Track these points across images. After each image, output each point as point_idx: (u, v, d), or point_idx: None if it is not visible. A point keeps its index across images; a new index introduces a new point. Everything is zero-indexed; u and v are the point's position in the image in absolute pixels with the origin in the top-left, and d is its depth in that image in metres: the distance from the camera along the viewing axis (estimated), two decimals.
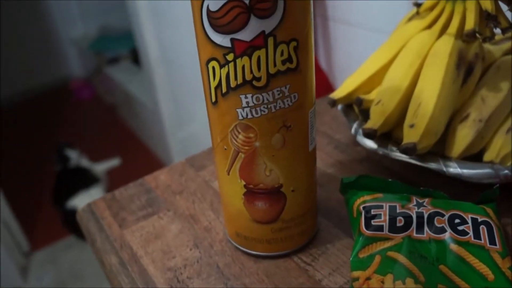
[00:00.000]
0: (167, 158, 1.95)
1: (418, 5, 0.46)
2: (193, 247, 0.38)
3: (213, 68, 0.28)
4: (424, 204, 0.33)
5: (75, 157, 1.97)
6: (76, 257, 1.72)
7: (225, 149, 0.32)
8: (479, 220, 0.32)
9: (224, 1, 0.26)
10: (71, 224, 1.75)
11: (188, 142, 1.74)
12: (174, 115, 1.70)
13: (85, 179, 1.88)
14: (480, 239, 0.30)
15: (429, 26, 0.44)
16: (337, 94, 0.45)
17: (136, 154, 2.25)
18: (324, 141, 0.50)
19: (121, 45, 2.55)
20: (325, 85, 0.82)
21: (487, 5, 0.38)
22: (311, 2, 0.29)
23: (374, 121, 0.40)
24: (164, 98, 1.66)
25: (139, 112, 2.19)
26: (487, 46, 0.45)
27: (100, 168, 2.04)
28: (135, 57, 2.23)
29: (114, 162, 2.14)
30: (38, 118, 2.78)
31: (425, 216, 0.32)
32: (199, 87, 0.33)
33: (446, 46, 0.41)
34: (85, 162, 1.99)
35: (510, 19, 0.39)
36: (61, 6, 2.90)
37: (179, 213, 0.42)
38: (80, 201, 1.75)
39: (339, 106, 0.47)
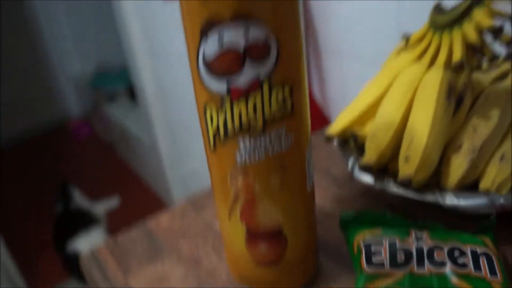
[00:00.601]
0: (167, 195, 1.95)
1: (406, 37, 0.47)
2: None
3: (211, 115, 0.29)
4: (423, 237, 0.33)
5: (77, 195, 1.97)
6: None
7: (225, 193, 0.32)
8: (479, 251, 0.32)
9: (219, 48, 0.27)
10: (71, 267, 1.73)
11: (187, 178, 1.75)
12: (172, 151, 1.71)
13: (84, 221, 1.87)
14: (481, 271, 0.31)
15: (418, 58, 0.45)
16: (332, 130, 0.46)
17: (136, 192, 2.25)
18: (321, 176, 0.51)
19: (118, 82, 2.58)
20: (320, 117, 0.83)
21: (472, 37, 0.40)
22: (304, 46, 0.30)
23: (369, 156, 0.41)
24: (162, 135, 1.67)
25: (137, 149, 2.20)
26: (476, 74, 0.46)
27: (100, 208, 2.03)
28: (132, 94, 2.26)
29: (113, 202, 2.13)
30: (37, 159, 2.78)
31: (425, 250, 0.32)
32: (197, 123, 0.33)
33: (435, 77, 0.42)
34: (84, 202, 1.99)
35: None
36: (58, 45, 2.94)
37: (182, 256, 0.43)
38: (80, 244, 1.73)
39: (335, 141, 0.47)
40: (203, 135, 0.32)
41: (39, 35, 2.89)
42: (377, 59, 0.53)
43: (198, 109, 0.31)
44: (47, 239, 1.91)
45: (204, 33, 0.27)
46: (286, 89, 0.29)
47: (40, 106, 3.04)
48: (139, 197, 2.19)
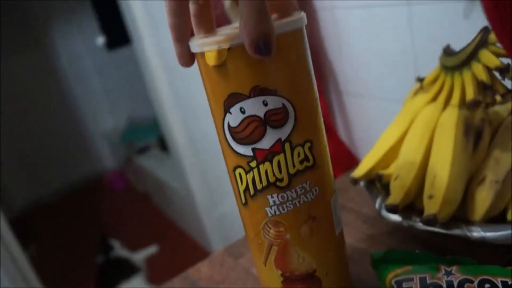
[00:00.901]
0: (204, 239, 1.97)
1: (420, 79, 0.49)
2: None
3: (240, 174, 0.32)
4: (453, 272, 0.34)
5: (117, 246, 2.01)
6: None
7: (260, 243, 0.35)
8: (509, 283, 0.33)
9: (242, 118, 0.30)
10: None
11: (222, 221, 1.77)
12: (206, 196, 1.74)
13: (126, 270, 1.90)
14: None
15: (434, 99, 0.47)
16: (357, 173, 0.48)
17: (173, 239, 2.28)
18: (352, 216, 0.52)
19: (149, 134, 2.66)
20: (348, 157, 0.85)
21: (482, 76, 0.42)
22: (319, 106, 0.33)
23: (395, 197, 0.43)
24: (195, 182, 1.71)
25: (172, 197, 2.24)
26: (493, 108, 0.48)
27: (139, 257, 2.07)
28: (163, 144, 2.32)
29: (151, 249, 2.16)
30: (76, 212, 2.86)
31: (455, 284, 0.33)
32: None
33: (451, 117, 0.44)
34: (124, 252, 2.03)
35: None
36: (91, 103, 3.08)
37: None
38: None
39: (362, 183, 0.49)
40: (234, 192, 0.35)
41: (70, 93, 3.03)
42: (398, 96, 0.56)
43: (228, 170, 0.34)
44: None
45: (227, 107, 0.30)
46: (306, 147, 0.32)
47: (76, 161, 3.15)
48: (177, 244, 2.22)
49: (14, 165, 2.85)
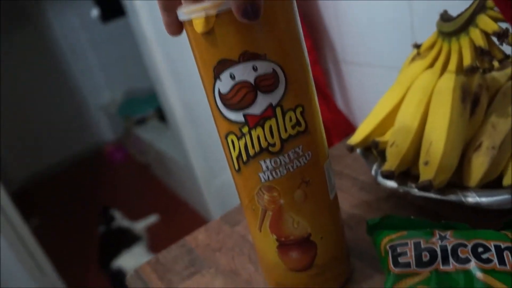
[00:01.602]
0: (204, 208, 1.98)
1: (417, 46, 0.49)
2: None
3: (232, 141, 0.32)
4: (447, 236, 0.35)
5: (119, 217, 2.03)
6: None
7: (254, 209, 0.35)
8: (503, 246, 0.33)
9: (232, 84, 0.30)
10: (118, 284, 1.78)
11: (222, 190, 1.78)
12: (205, 166, 1.75)
13: (127, 239, 1.93)
14: (506, 265, 0.32)
15: (431, 65, 0.46)
16: (354, 139, 0.48)
17: (173, 208, 2.30)
18: (349, 183, 0.52)
19: (146, 106, 2.66)
20: (345, 125, 0.84)
21: (480, 41, 0.41)
22: (309, 71, 0.33)
23: (391, 163, 0.43)
24: (194, 152, 1.71)
25: (171, 168, 2.25)
26: (491, 74, 0.47)
27: (140, 226, 2.09)
28: (161, 115, 2.32)
29: (152, 219, 2.19)
30: (77, 184, 2.88)
31: (449, 248, 0.34)
32: None
33: (448, 83, 0.43)
34: (125, 222, 2.05)
35: None
36: (88, 77, 3.06)
37: (221, 269, 0.45)
38: (124, 261, 1.79)
39: (358, 150, 0.49)
40: (227, 159, 0.34)
41: (67, 67, 3.01)
42: (395, 64, 0.55)
43: (220, 137, 0.34)
44: (92, 259, 1.97)
45: (217, 73, 0.30)
46: (298, 111, 0.31)
47: (75, 135, 3.16)
48: (177, 213, 2.24)
49: (14, 139, 2.86)
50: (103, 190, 2.71)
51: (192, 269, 0.46)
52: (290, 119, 0.31)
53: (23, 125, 2.90)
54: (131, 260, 1.75)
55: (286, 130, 0.31)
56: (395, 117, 0.46)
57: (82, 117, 3.17)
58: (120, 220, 2.04)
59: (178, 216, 2.22)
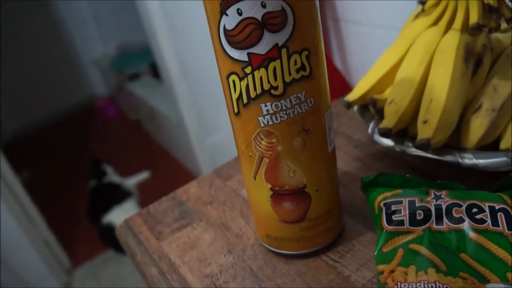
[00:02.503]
0: (195, 167, 1.99)
1: (423, 2, 0.47)
2: (227, 253, 0.41)
3: (233, 81, 0.31)
4: (442, 196, 0.34)
5: (110, 172, 2.03)
6: (116, 270, 1.77)
7: (250, 155, 0.34)
8: (497, 207, 0.33)
9: (239, 20, 0.28)
10: (108, 239, 1.80)
11: (214, 150, 1.77)
12: (198, 125, 1.73)
13: (117, 194, 1.94)
14: (498, 226, 0.32)
15: (435, 23, 0.45)
16: (352, 96, 0.47)
17: (164, 166, 2.30)
18: (344, 141, 0.52)
19: (140, 61, 2.61)
20: (342, 85, 0.83)
21: None
22: (318, 13, 0.31)
23: (389, 120, 0.42)
24: (187, 110, 1.70)
25: (164, 125, 2.23)
26: (496, 35, 0.46)
27: (131, 182, 2.10)
28: (155, 71, 2.28)
29: (143, 175, 2.19)
30: (68, 139, 2.87)
31: (443, 208, 0.33)
32: (220, 97, 0.35)
33: (452, 41, 0.42)
34: (116, 178, 2.05)
35: None
36: (80, 29, 2.99)
37: (211, 222, 0.45)
38: (114, 216, 1.80)
39: (355, 108, 0.48)
40: (226, 102, 0.33)
41: (59, 19, 2.94)
42: (396, 24, 0.53)
43: (221, 78, 0.32)
44: (82, 214, 1.98)
45: (223, 8, 0.29)
46: (303, 55, 0.30)
47: (67, 89, 3.12)
48: (168, 170, 2.24)
49: (4, 92, 2.81)
50: (94, 145, 2.70)
51: (182, 222, 0.46)
52: (295, 62, 0.30)
53: (13, 78, 2.85)
54: (121, 216, 1.76)
55: (290, 73, 0.30)
56: (395, 74, 0.45)
57: (74, 70, 3.11)
58: (112, 175, 2.04)
59: (169, 173, 2.22)
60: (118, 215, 1.79)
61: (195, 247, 0.42)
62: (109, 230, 1.75)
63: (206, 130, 1.75)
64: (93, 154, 2.50)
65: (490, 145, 0.42)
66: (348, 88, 0.84)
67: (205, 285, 0.38)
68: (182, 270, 0.40)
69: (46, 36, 2.92)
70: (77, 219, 2.06)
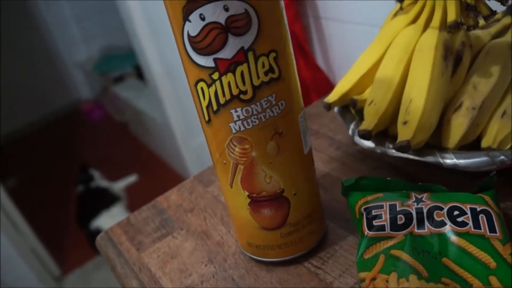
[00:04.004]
0: (182, 168, 1.97)
1: (401, 0, 0.46)
2: (207, 263, 0.40)
3: (202, 88, 0.30)
4: (423, 199, 0.34)
5: (98, 176, 2.01)
6: (107, 275, 1.75)
7: (225, 163, 0.33)
8: (478, 209, 0.32)
9: (202, 25, 0.28)
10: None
11: (201, 151, 1.76)
12: (184, 126, 1.72)
13: (106, 199, 1.92)
14: (480, 228, 0.31)
15: (414, 21, 0.44)
16: (331, 97, 0.46)
17: (152, 168, 2.28)
18: (325, 143, 0.51)
19: (124, 63, 2.59)
20: (325, 83, 0.82)
21: None
22: (284, 13, 0.31)
23: (369, 122, 0.41)
24: (173, 111, 1.68)
25: (150, 127, 2.22)
26: (475, 32, 0.45)
27: (119, 186, 2.07)
28: (140, 73, 2.26)
29: (131, 179, 2.17)
30: (54, 144, 2.83)
31: (425, 211, 0.33)
32: None
33: (431, 39, 0.41)
34: (104, 182, 2.03)
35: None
36: (62, 31, 2.95)
37: (192, 230, 0.44)
38: (103, 221, 1.78)
39: (336, 109, 0.48)
40: (197, 110, 0.33)
41: (42, 23, 2.90)
42: (377, 21, 0.53)
43: (190, 85, 0.32)
44: (70, 220, 1.96)
45: (186, 14, 0.28)
46: (271, 57, 0.30)
47: (51, 93, 3.08)
48: (156, 173, 2.23)
49: None
50: (81, 150, 2.67)
51: (163, 231, 0.45)
52: (263, 65, 0.29)
53: None
54: (110, 220, 1.74)
55: (258, 77, 0.29)
56: (374, 74, 0.44)
57: (58, 74, 3.07)
58: (99, 179, 2.02)
59: (157, 176, 2.21)
60: (107, 220, 1.76)
61: (175, 257, 0.41)
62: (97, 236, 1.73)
63: (193, 131, 1.74)
64: (79, 159, 2.47)
65: (471, 144, 0.41)
66: (331, 86, 0.83)
67: None
68: (163, 281, 0.39)
69: (28, 39, 2.87)
70: (66, 225, 2.03)
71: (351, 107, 0.46)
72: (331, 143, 0.51)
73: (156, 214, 0.48)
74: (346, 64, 0.82)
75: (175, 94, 1.66)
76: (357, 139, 0.43)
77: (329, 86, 0.83)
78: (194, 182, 0.51)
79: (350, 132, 0.44)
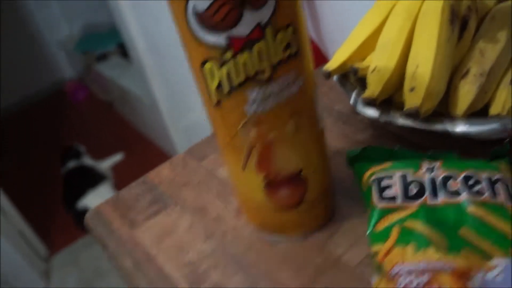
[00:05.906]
0: (170, 148, 1.94)
1: None
2: (206, 239, 0.38)
3: (210, 69, 0.27)
4: (436, 168, 0.32)
5: (82, 155, 1.98)
6: (96, 254, 1.73)
7: (237, 146, 0.31)
8: (494, 178, 0.31)
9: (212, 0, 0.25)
10: (83, 224, 1.76)
11: (189, 129, 1.74)
12: (171, 105, 1.69)
13: (92, 178, 1.89)
14: (498, 198, 0.29)
15: None
16: (331, 65, 0.44)
17: (139, 148, 2.25)
18: (325, 113, 0.49)
19: (107, 41, 2.52)
20: (317, 55, 0.80)
21: None
22: None
23: (373, 89, 0.39)
24: (159, 89, 1.65)
25: (136, 106, 2.18)
26: None
27: (105, 165, 2.04)
28: (124, 51, 2.21)
29: (117, 157, 2.14)
30: (38, 125, 2.77)
31: (438, 180, 0.31)
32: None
33: (436, 3, 0.39)
34: (90, 161, 2.00)
35: None
36: (43, 10, 2.86)
37: (187, 206, 0.42)
38: (90, 201, 1.76)
39: (335, 77, 0.45)
40: (201, 93, 0.30)
41: (22, 1, 2.80)
42: None
43: (193, 67, 0.29)
44: (57, 200, 1.93)
45: None
46: (289, 31, 0.27)
47: (34, 73, 3.00)
48: (143, 152, 2.20)
49: None
50: (66, 130, 2.62)
51: (156, 207, 0.43)
52: (282, 41, 0.27)
53: None
54: (96, 199, 1.71)
55: (277, 54, 0.27)
56: (376, 40, 0.42)
57: (40, 54, 2.98)
58: (85, 158, 1.99)
59: (144, 155, 2.18)
60: (94, 200, 1.74)
61: (171, 234, 0.39)
62: (85, 215, 1.71)
63: (180, 109, 1.71)
64: (64, 139, 2.43)
65: (478, 112, 0.39)
66: (323, 60, 0.81)
67: (185, 275, 0.35)
68: (158, 259, 0.37)
69: (7, 18, 2.78)
70: (52, 206, 2.00)
71: (351, 76, 0.43)
72: (329, 113, 0.49)
73: (147, 190, 0.45)
74: (339, 37, 0.79)
75: (161, 72, 1.63)
76: (360, 108, 0.41)
77: (321, 60, 0.81)
78: (187, 156, 0.48)
79: (352, 101, 0.42)
